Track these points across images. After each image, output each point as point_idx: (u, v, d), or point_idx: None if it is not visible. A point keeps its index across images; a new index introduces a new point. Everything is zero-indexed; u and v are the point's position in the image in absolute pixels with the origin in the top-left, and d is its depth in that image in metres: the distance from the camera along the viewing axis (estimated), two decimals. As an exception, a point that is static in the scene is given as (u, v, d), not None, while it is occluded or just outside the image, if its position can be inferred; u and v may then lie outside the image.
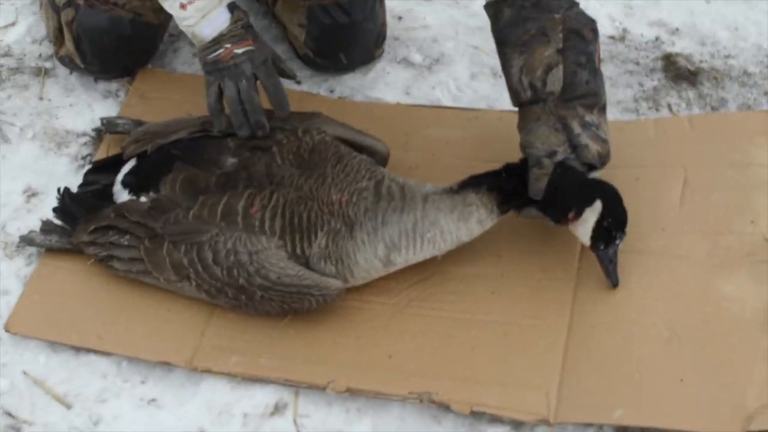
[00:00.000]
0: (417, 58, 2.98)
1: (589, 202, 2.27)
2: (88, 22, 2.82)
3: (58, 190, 2.57)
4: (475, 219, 2.30)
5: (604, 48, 2.94)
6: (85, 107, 2.93)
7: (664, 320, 2.30)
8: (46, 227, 2.54)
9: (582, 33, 2.36)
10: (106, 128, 2.73)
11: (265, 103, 2.46)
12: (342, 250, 2.28)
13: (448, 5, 3.13)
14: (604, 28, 3.01)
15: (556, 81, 2.34)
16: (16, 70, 3.02)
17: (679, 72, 2.91)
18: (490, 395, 2.22)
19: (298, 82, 2.72)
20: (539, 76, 2.34)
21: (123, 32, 2.82)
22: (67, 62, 2.94)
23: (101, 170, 2.63)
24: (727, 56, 2.97)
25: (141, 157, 2.54)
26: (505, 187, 2.31)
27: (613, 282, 2.32)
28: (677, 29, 3.05)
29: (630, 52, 2.99)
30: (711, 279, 2.36)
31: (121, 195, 2.50)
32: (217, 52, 2.43)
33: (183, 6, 2.41)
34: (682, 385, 2.19)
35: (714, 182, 2.54)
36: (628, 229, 2.39)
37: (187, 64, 3.03)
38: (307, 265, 2.28)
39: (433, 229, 2.29)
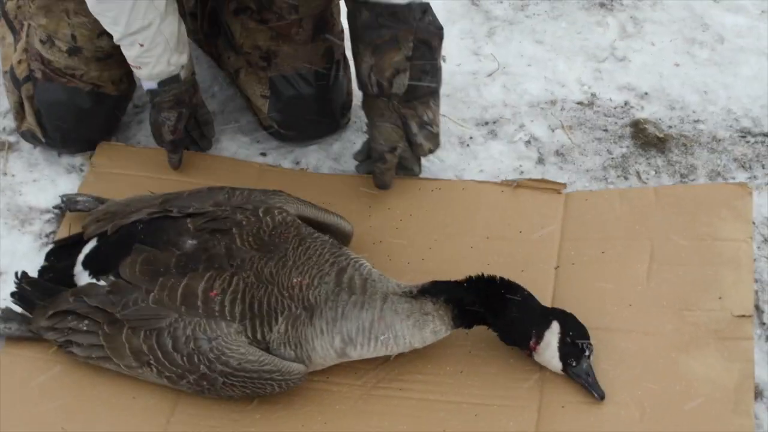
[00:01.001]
0: None
1: (546, 326, 2.32)
2: (46, 96, 2.84)
3: (16, 274, 2.54)
4: (430, 329, 2.32)
5: (572, 114, 3.00)
6: (48, 183, 2.93)
7: (635, 400, 2.32)
8: (5, 315, 2.52)
9: (431, 43, 2.65)
10: (67, 206, 2.73)
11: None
12: (301, 335, 2.29)
13: None
14: (573, 93, 3.07)
15: (401, 85, 2.65)
16: None
17: (647, 139, 2.94)
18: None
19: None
20: (387, 77, 2.63)
21: (81, 104, 2.85)
22: (29, 137, 2.95)
23: (62, 250, 2.62)
24: (696, 121, 3.00)
25: (101, 237, 2.53)
26: (464, 301, 2.32)
27: (599, 396, 2.32)
28: (646, 93, 3.08)
29: (599, 118, 3.02)
30: (679, 356, 2.39)
31: (82, 277, 2.49)
32: (162, 92, 2.71)
33: (133, 66, 2.66)
34: (653, 467, 2.21)
35: (680, 257, 2.57)
36: (596, 304, 2.44)
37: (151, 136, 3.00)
38: (267, 349, 2.29)
39: (387, 332, 2.30)
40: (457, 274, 2.47)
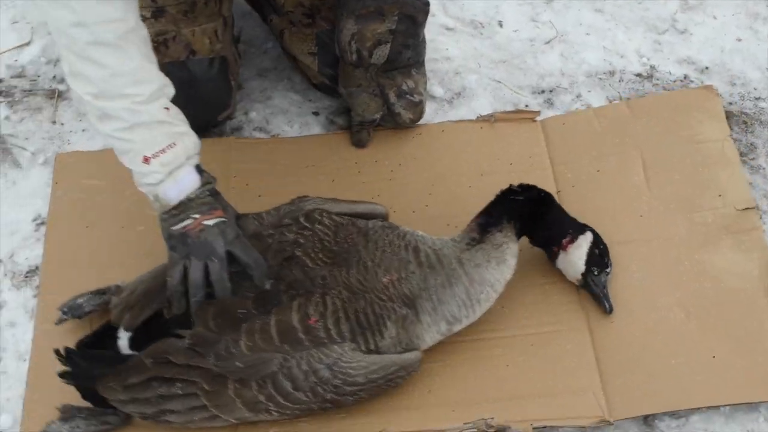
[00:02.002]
0: (438, 91, 2.94)
1: (582, 231, 2.41)
2: None
3: (57, 351, 2.23)
4: (510, 254, 2.34)
5: (631, 86, 2.96)
6: (97, 132, 2.70)
7: (677, 302, 2.45)
8: (66, 413, 2.28)
9: (416, 18, 2.63)
10: (72, 314, 2.41)
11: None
12: (412, 334, 2.25)
13: (471, 36, 3.09)
14: (632, 65, 3.00)
15: (381, 56, 2.64)
16: (29, 92, 2.93)
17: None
18: (542, 409, 2.30)
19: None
20: (368, 47, 2.61)
21: (181, 77, 2.56)
22: None
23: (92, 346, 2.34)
24: (758, 98, 2.91)
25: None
26: (521, 212, 2.35)
27: (609, 308, 2.42)
28: (706, 68, 3.00)
29: (657, 91, 2.94)
30: (701, 256, 2.53)
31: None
32: (184, 223, 2.21)
33: (146, 159, 2.17)
34: (716, 361, 2.34)
35: (672, 162, 2.70)
36: (609, 220, 2.55)
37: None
38: (377, 353, 2.22)
39: (483, 287, 2.30)
40: (464, 214, 2.52)
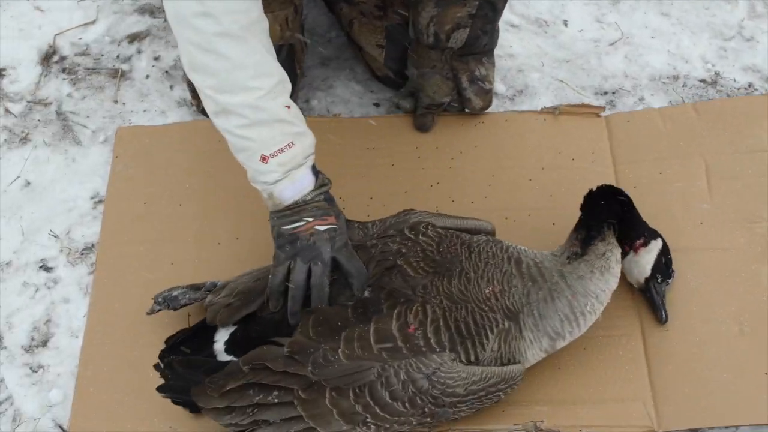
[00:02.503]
0: (500, 87, 2.94)
1: (655, 237, 2.42)
2: None
3: (158, 366, 2.29)
4: (614, 261, 2.31)
5: (694, 92, 2.94)
6: (158, 114, 2.87)
7: (731, 315, 2.46)
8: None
9: (496, 5, 2.62)
10: (168, 305, 2.39)
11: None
12: (514, 350, 2.23)
13: (535, 34, 3.09)
14: (696, 70, 2.99)
15: (459, 40, 2.64)
16: (93, 71, 2.96)
17: None
18: (591, 415, 2.32)
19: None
20: (446, 31, 2.61)
21: None
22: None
23: (183, 344, 2.37)
24: None
25: (239, 320, 2.31)
26: (617, 215, 2.34)
27: (665, 317, 2.43)
28: None
29: (721, 97, 2.93)
30: (760, 268, 2.53)
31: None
32: (296, 225, 2.23)
33: (264, 159, 2.19)
34: (767, 378, 2.35)
35: (735, 170, 2.70)
36: (668, 225, 2.55)
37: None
38: (477, 365, 2.21)
39: (588, 299, 2.27)
40: (524, 208, 2.57)
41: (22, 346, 2.48)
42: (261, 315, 2.27)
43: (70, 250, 2.62)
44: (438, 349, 2.17)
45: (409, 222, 2.36)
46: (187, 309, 2.42)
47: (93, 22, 3.08)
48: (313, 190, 2.25)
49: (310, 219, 2.24)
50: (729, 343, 2.42)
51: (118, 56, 3.02)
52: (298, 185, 2.24)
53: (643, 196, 2.63)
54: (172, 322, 2.42)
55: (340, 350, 2.15)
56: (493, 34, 2.70)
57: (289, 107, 2.21)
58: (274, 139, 2.19)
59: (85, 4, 3.12)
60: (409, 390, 2.14)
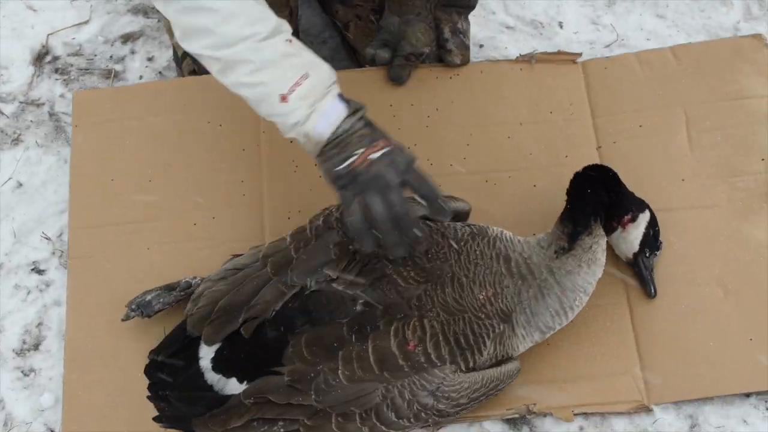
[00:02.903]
0: None
1: (642, 210, 2.40)
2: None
3: (153, 397, 2.24)
4: (600, 251, 2.32)
5: None
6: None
7: (715, 278, 2.48)
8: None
9: None
10: (143, 312, 2.36)
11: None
12: (508, 347, 2.25)
13: (530, 35, 2.98)
14: None
15: None
16: (86, 71, 2.89)
17: None
18: (583, 393, 2.37)
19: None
20: None
21: None
22: None
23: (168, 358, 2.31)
24: None
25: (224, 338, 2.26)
26: (604, 206, 2.31)
27: (653, 292, 2.44)
28: None
29: None
30: (741, 225, 2.54)
31: (221, 382, 2.23)
32: (350, 161, 2.07)
33: (284, 98, 2.06)
34: (752, 344, 2.41)
35: (715, 120, 2.68)
36: (650, 182, 2.55)
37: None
38: (473, 370, 2.22)
39: (575, 294, 2.29)
40: (503, 169, 2.58)
41: (13, 350, 2.48)
42: (247, 337, 2.22)
43: (63, 252, 2.58)
44: (439, 364, 2.17)
45: None
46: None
47: (86, 22, 2.99)
48: (348, 117, 2.10)
49: (361, 150, 2.08)
50: (714, 308, 2.44)
51: (111, 56, 2.93)
52: (329, 116, 2.09)
53: (623, 153, 2.65)
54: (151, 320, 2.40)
55: (339, 371, 2.13)
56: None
57: (290, 41, 2.10)
58: (285, 75, 2.07)
59: (79, 3, 3.02)
60: (414, 407, 2.16)
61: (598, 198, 2.29)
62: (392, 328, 2.16)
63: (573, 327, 2.40)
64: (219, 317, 2.23)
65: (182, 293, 2.38)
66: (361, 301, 2.20)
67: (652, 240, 2.42)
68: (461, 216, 2.42)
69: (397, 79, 2.71)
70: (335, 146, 2.09)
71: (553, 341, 2.39)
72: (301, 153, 2.51)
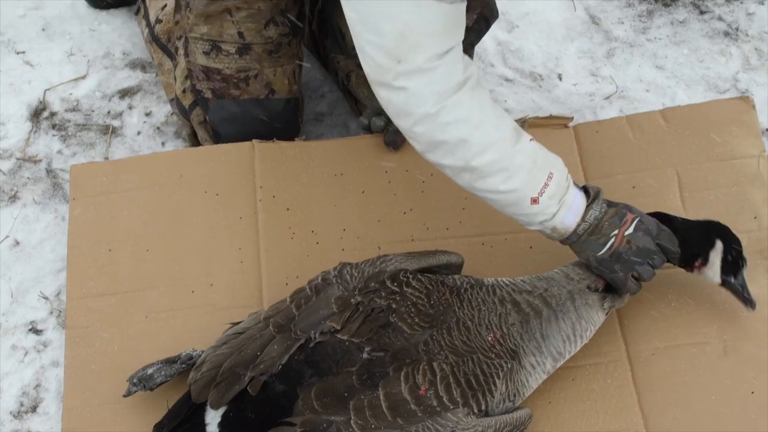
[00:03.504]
0: None
1: (711, 245, 2.42)
2: (220, 114, 2.73)
3: None
4: (619, 304, 2.42)
5: None
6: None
7: (715, 334, 2.52)
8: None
9: (489, 22, 2.68)
10: (145, 386, 2.37)
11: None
12: (518, 384, 2.28)
13: (530, 88, 3.08)
14: None
15: None
16: (83, 127, 2.95)
17: None
18: (586, 450, 2.37)
19: None
20: None
21: (258, 114, 2.72)
22: None
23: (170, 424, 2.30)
24: None
25: (231, 400, 2.25)
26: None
27: (752, 306, 2.46)
28: (767, 130, 3.00)
29: None
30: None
31: None
32: (609, 244, 2.28)
33: (534, 200, 2.22)
34: (754, 397, 2.43)
35: (707, 181, 2.74)
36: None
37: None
38: (487, 413, 2.23)
39: (589, 326, 2.36)
40: (500, 232, 2.63)
41: (10, 412, 2.48)
42: (254, 395, 2.22)
43: (60, 311, 2.60)
44: (451, 407, 2.18)
45: (387, 272, 2.35)
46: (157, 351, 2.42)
47: (83, 77, 3.07)
48: (591, 204, 2.29)
49: (615, 231, 2.29)
50: (714, 364, 2.47)
51: (108, 112, 3.00)
52: (575, 207, 2.28)
53: (618, 213, 2.69)
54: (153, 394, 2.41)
55: (352, 421, 2.14)
56: (472, 51, 2.73)
57: (531, 139, 2.25)
58: (535, 178, 2.22)
59: (76, 58, 3.11)
60: None
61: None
62: (402, 373, 2.19)
63: (574, 384, 2.44)
64: (224, 379, 2.24)
65: (184, 365, 2.38)
66: (367, 349, 2.22)
67: (731, 266, 2.44)
68: (453, 268, 2.47)
69: (392, 144, 2.77)
70: (590, 234, 2.29)
71: (555, 399, 2.42)
72: (297, 220, 2.60)
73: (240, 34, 2.66)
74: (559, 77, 3.05)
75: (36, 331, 2.59)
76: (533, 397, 2.39)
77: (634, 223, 2.31)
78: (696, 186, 2.73)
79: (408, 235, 2.63)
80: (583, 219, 2.28)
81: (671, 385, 2.45)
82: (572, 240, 2.30)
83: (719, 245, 2.42)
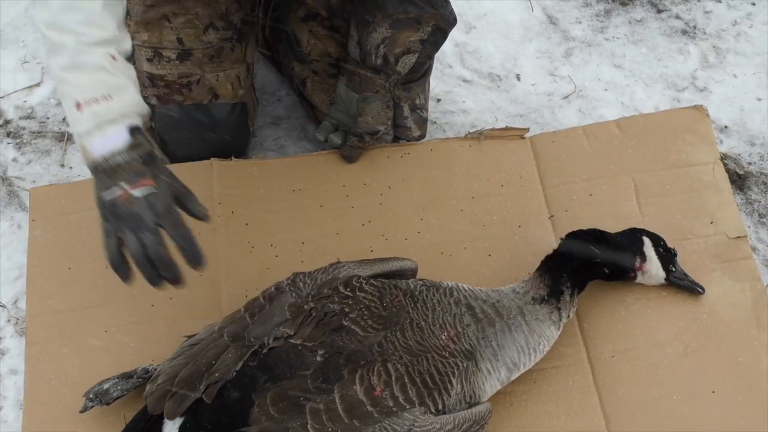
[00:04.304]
0: None
1: (641, 242, 2.55)
2: (164, 120, 2.76)
3: None
4: (566, 320, 2.46)
5: None
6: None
7: (675, 336, 2.57)
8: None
9: (446, 32, 2.70)
10: (101, 401, 2.40)
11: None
12: (474, 385, 2.32)
13: (488, 89, 3.15)
14: None
15: (407, 65, 2.71)
16: (38, 134, 2.99)
17: (727, 174, 2.89)
18: (549, 452, 2.41)
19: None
20: (395, 53, 2.67)
21: (202, 119, 2.75)
22: None
23: None
24: None
25: (186, 412, 2.26)
26: (584, 271, 2.49)
27: (702, 290, 2.60)
28: (726, 127, 3.09)
29: None
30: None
31: None
32: (114, 194, 2.15)
33: (79, 106, 2.15)
34: (715, 396, 2.49)
35: (663, 187, 2.82)
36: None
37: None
38: (444, 413, 2.27)
39: (542, 340, 2.41)
40: (457, 242, 2.69)
41: (-31, 420, 2.49)
42: (210, 403, 2.24)
43: (18, 319, 2.63)
44: (408, 406, 2.22)
45: (340, 278, 2.40)
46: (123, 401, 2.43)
47: (38, 85, 3.12)
48: (127, 150, 2.17)
49: (126, 185, 2.15)
50: (675, 365, 2.53)
51: (64, 119, 3.03)
52: (108, 141, 2.16)
53: (575, 220, 2.75)
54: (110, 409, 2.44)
55: (309, 426, 2.17)
56: (432, 62, 2.79)
57: (114, 58, 2.19)
58: (91, 86, 2.16)
59: (30, 66, 3.16)
60: None
61: (575, 263, 2.45)
62: (357, 375, 2.22)
63: (535, 387, 2.49)
64: (180, 389, 2.26)
65: (140, 379, 2.41)
66: (321, 352, 2.26)
67: (667, 257, 2.56)
68: (407, 274, 2.53)
69: (347, 158, 2.84)
70: (105, 171, 2.17)
71: (516, 402, 2.47)
72: (256, 234, 2.65)
73: (179, 40, 2.71)
74: (518, 77, 3.12)
75: (-7, 339, 2.61)
76: (494, 400, 2.42)
77: (146, 190, 2.16)
78: (652, 192, 2.80)
79: (367, 247, 2.68)
80: (106, 158, 2.16)
81: (632, 386, 2.50)
82: (90, 168, 2.19)
83: (647, 240, 2.55)
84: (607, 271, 2.52)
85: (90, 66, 2.15)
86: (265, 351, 2.28)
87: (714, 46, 3.25)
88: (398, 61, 2.66)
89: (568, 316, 2.46)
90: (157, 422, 2.29)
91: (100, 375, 2.44)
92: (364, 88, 2.75)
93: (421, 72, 2.76)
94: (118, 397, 2.40)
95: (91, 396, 2.40)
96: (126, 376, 2.42)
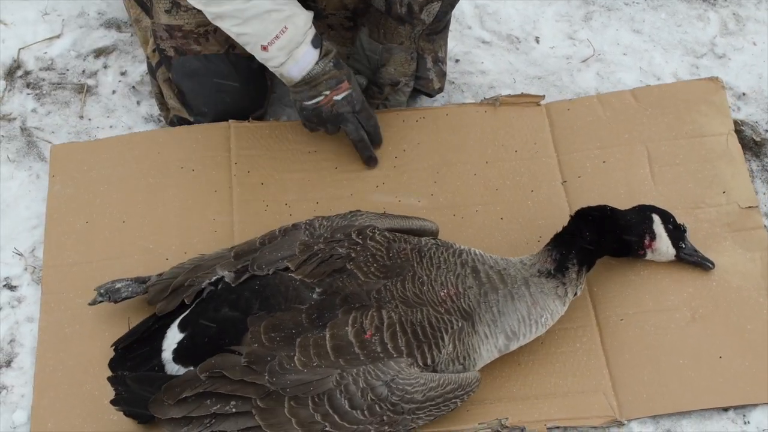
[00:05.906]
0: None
1: (650, 220, 2.63)
2: (182, 71, 2.86)
3: (112, 379, 2.35)
4: (572, 296, 2.53)
5: None
6: (125, 130, 2.98)
7: (684, 302, 2.67)
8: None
9: None
10: (110, 298, 2.55)
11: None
12: (468, 347, 2.39)
13: (507, 50, 3.22)
14: None
15: (431, 13, 2.81)
16: (58, 86, 3.06)
17: (743, 141, 3.00)
18: (555, 409, 2.51)
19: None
20: (420, 2, 2.77)
21: (220, 69, 2.85)
22: (178, 122, 2.92)
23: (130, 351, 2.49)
24: None
25: (187, 327, 2.43)
26: (593, 249, 2.53)
27: (712, 265, 2.68)
28: (744, 94, 3.15)
29: None
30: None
31: (181, 373, 2.38)
32: (316, 100, 2.68)
33: (264, 48, 2.56)
34: (722, 362, 2.57)
35: (677, 156, 2.91)
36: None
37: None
38: (434, 370, 2.35)
39: (544, 312, 2.47)
40: (470, 204, 2.78)
41: (-15, 366, 2.57)
42: (206, 322, 2.40)
43: (35, 268, 2.71)
44: (395, 355, 2.31)
45: (355, 225, 2.51)
46: (128, 310, 2.57)
47: (58, 36, 3.19)
48: (318, 62, 2.64)
49: (327, 92, 2.69)
50: (682, 330, 2.62)
51: (83, 71, 3.11)
52: (301, 63, 2.63)
53: (588, 186, 2.85)
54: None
55: (296, 357, 2.28)
56: (450, 15, 2.90)
57: None
58: (266, 29, 2.55)
59: (51, 18, 3.22)
60: (368, 397, 2.28)
61: (584, 240, 2.50)
62: (350, 317, 2.33)
63: (543, 348, 2.58)
64: (175, 290, 2.50)
65: (151, 287, 2.56)
66: (318, 290, 2.38)
67: (676, 232, 2.65)
68: (427, 235, 2.60)
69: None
70: (306, 83, 2.66)
71: (524, 361, 2.56)
72: (271, 194, 2.75)
73: None
74: (537, 40, 3.19)
75: (10, 287, 2.70)
76: (501, 359, 2.52)
77: (346, 94, 2.72)
78: (665, 161, 2.89)
79: (380, 208, 2.77)
80: (308, 73, 2.64)
81: (639, 349, 2.59)
82: (292, 86, 2.69)
83: (656, 218, 2.63)
84: (616, 249, 2.61)
85: (259, 13, 2.49)
86: (262, 275, 2.43)
87: (734, 14, 3.31)
88: (422, 9, 2.75)
89: (576, 293, 2.52)
90: (158, 334, 2.47)
91: (112, 324, 2.58)
92: (388, 39, 2.86)
93: (443, 22, 2.85)
94: (126, 298, 2.55)
95: (102, 291, 2.55)
96: (138, 281, 2.57)
